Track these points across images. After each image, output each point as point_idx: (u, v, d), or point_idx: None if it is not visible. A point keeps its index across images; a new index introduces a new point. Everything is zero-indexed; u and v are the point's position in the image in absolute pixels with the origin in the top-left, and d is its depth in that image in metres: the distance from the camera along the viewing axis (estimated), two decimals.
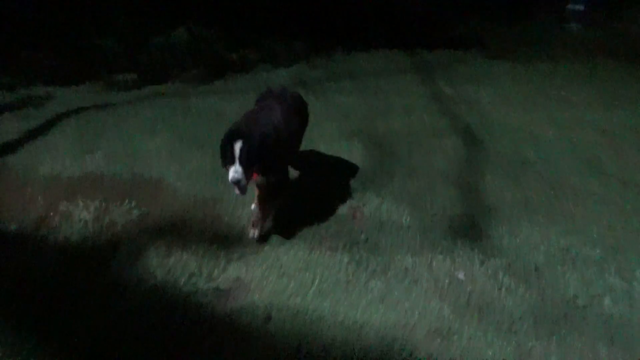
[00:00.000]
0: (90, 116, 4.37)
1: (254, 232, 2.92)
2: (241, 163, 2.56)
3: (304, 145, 3.56)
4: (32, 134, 4.04)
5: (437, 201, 3.51)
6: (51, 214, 3.09)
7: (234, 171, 2.56)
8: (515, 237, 3.16)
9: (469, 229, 3.24)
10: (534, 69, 6.53)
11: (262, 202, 2.96)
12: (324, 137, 4.19)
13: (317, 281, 2.60)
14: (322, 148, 4.04)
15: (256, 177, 2.76)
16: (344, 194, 3.44)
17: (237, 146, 2.55)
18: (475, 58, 6.94)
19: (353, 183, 3.59)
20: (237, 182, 2.56)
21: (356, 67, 6.23)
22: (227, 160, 2.60)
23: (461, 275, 2.79)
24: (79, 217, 3.07)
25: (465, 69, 6.32)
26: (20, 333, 2.12)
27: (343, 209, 3.27)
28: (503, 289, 2.68)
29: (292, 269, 2.70)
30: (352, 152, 4.03)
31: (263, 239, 2.93)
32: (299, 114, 3.29)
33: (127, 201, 3.25)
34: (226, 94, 5.03)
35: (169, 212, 3.18)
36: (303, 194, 3.35)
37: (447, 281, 2.72)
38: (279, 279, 2.60)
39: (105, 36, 6.44)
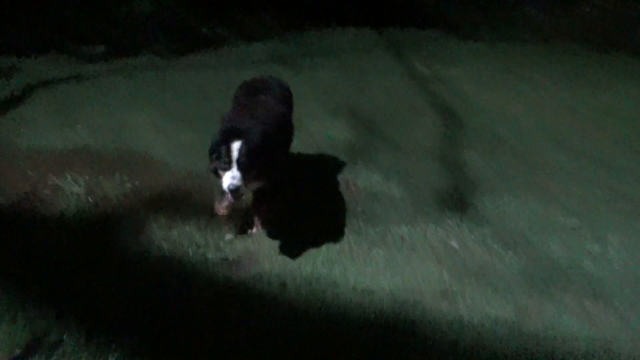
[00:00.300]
0: (64, 88, 4.23)
1: (251, 231, 2.73)
2: (240, 167, 2.18)
3: None
4: (4, 107, 3.87)
5: (423, 174, 3.69)
6: (40, 187, 3.02)
7: (232, 177, 2.17)
8: (498, 207, 3.39)
9: (456, 200, 3.43)
10: (498, 49, 6.83)
11: (257, 207, 2.71)
12: (309, 114, 4.25)
13: (323, 250, 2.71)
14: (308, 124, 4.11)
15: (253, 183, 2.38)
16: (336, 168, 3.55)
17: (235, 147, 2.18)
18: (443, 37, 7.16)
19: (343, 158, 3.70)
20: (234, 191, 2.19)
21: (329, 44, 6.30)
22: (221, 163, 2.22)
23: (454, 243, 2.97)
24: (71, 191, 3.01)
25: (435, 47, 6.52)
26: (33, 306, 2.11)
27: (337, 182, 3.38)
28: (493, 255, 2.88)
29: (298, 239, 2.79)
30: (338, 128, 4.14)
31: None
32: (289, 105, 3.08)
33: (117, 175, 3.21)
34: (203, 68, 4.97)
35: (163, 186, 3.17)
36: (297, 169, 3.43)
37: (441, 248, 2.90)
38: (286, 249, 2.69)
39: (66, 5, 6.14)
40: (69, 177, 3.14)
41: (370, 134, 4.14)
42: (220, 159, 2.23)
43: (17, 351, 1.87)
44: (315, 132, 3.99)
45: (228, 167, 2.20)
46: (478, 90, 5.33)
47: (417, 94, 5.07)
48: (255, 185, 2.42)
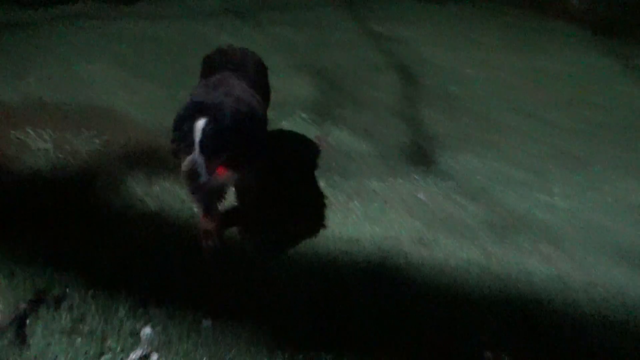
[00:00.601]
0: (6, 36, 3.95)
1: (207, 242, 2.31)
2: (203, 151, 1.82)
3: None
4: None
5: (386, 131, 3.90)
6: (2, 143, 2.90)
7: (192, 162, 1.82)
8: (458, 162, 3.68)
9: (419, 155, 3.68)
10: (447, 10, 7.10)
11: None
12: (272, 70, 4.23)
13: (304, 203, 2.85)
14: (274, 81, 4.14)
15: (223, 174, 2.03)
16: (306, 125, 3.66)
17: (199, 125, 1.83)
18: None
19: (311, 114, 3.81)
20: (193, 177, 1.85)
21: None
22: (183, 145, 1.87)
23: (422, 196, 3.22)
24: (37, 147, 2.92)
25: (387, 6, 6.66)
26: (28, 263, 2.10)
27: (309, 138, 3.50)
28: (458, 206, 3.17)
29: (278, 195, 2.91)
30: (302, 85, 4.22)
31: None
32: (266, 84, 2.86)
33: (84, 130, 3.13)
34: (156, 19, 4.80)
35: (134, 141, 3.13)
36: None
37: (411, 201, 3.14)
38: (269, 204, 2.80)
39: None
40: (31, 132, 3.02)
41: (334, 91, 4.27)
42: (182, 139, 1.87)
43: (23, 305, 1.88)
44: (281, 89, 4.03)
45: (189, 149, 1.84)
46: (431, 51, 5.58)
47: (373, 51, 5.22)
48: (226, 178, 2.09)
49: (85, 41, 4.11)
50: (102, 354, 1.77)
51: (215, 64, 2.58)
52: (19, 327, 1.81)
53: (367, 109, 4.14)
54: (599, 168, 3.90)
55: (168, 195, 2.72)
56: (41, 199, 2.52)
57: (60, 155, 2.89)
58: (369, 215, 2.90)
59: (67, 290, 1.98)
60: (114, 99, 3.51)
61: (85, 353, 1.76)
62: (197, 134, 1.83)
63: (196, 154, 1.83)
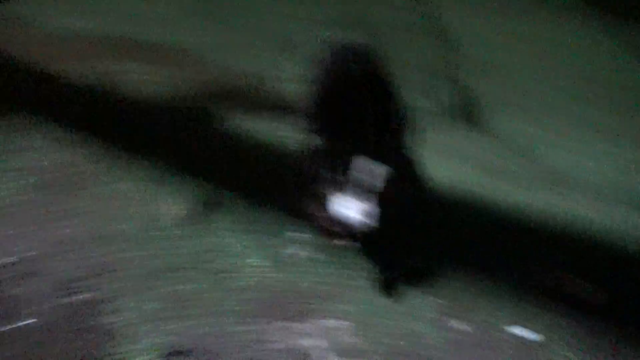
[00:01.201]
0: None
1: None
2: (369, 198, 1.59)
3: None
4: None
5: (435, 91, 4.55)
6: (100, 71, 3.35)
7: (355, 210, 1.58)
8: (500, 124, 4.30)
9: (466, 115, 4.36)
10: None
11: None
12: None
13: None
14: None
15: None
16: None
17: (372, 170, 1.60)
18: None
19: None
20: (346, 226, 1.62)
21: None
22: (332, 177, 1.61)
23: (475, 149, 3.90)
24: (138, 78, 3.39)
25: None
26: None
27: None
28: (507, 160, 3.79)
29: None
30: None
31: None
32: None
33: (169, 66, 3.59)
34: None
35: (217, 82, 3.61)
36: None
37: (467, 153, 3.78)
38: None
39: None
40: (117, 63, 3.48)
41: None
42: (332, 173, 1.61)
43: (197, 209, 2.43)
44: None
45: (346, 190, 1.58)
46: (461, 16, 6.25)
47: (412, 11, 5.86)
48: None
49: None
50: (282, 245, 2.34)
51: (348, 64, 2.06)
52: (197, 223, 2.37)
53: (412, 69, 4.76)
54: (622, 136, 4.63)
55: (269, 133, 3.25)
56: (160, 125, 3.03)
57: (155, 86, 3.36)
58: (435, 162, 3.52)
59: (227, 198, 2.55)
60: (184, 38, 3.97)
61: (264, 244, 2.32)
62: (367, 179, 1.55)
63: (361, 199, 1.55)
